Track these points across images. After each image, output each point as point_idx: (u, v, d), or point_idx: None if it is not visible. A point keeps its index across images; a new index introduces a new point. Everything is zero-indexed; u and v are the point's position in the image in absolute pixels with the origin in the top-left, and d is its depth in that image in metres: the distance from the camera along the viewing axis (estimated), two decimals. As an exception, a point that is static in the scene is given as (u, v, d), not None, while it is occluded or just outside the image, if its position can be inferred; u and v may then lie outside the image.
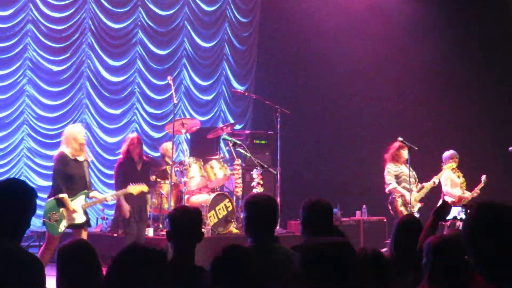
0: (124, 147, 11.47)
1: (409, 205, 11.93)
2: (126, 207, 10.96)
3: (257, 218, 5.11)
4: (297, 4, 16.90)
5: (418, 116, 16.25)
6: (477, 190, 12.87)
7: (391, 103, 16.37)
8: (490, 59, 15.98)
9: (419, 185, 12.44)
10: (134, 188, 10.72)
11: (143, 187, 10.87)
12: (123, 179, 11.03)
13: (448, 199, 12.18)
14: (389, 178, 12.34)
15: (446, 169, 12.65)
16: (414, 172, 12.48)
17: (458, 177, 12.88)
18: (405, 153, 12.36)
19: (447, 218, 5.75)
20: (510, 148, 12.52)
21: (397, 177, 12.34)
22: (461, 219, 11.73)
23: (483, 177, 12.93)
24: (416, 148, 11.95)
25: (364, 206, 14.62)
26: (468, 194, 12.72)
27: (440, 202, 5.78)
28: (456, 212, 11.93)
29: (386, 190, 12.48)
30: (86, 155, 10.27)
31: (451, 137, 14.96)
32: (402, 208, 12.08)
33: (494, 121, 15.91)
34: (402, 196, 12.16)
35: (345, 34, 16.60)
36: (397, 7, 16.46)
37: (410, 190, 12.02)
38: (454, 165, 12.77)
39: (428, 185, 12.40)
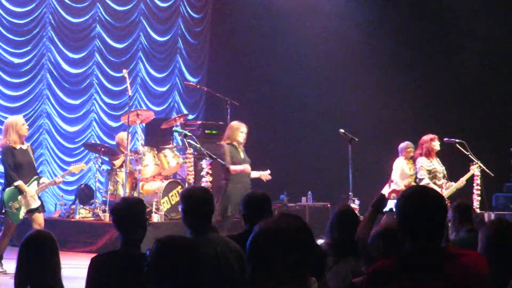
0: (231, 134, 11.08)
1: None
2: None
3: (192, 210, 5.07)
4: (246, 2, 16.88)
5: (366, 107, 15.84)
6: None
7: (336, 94, 16.18)
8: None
9: (448, 183, 11.29)
10: (76, 167, 10.90)
11: (83, 165, 11.18)
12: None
13: (395, 186, 11.60)
14: (422, 173, 11.15)
15: (474, 169, 11.45)
16: (443, 168, 11.39)
17: (410, 169, 11.71)
18: (436, 145, 11.32)
19: (384, 210, 5.78)
20: None
21: (429, 172, 11.18)
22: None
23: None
24: (357, 140, 11.30)
25: (309, 192, 14.70)
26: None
27: (378, 195, 5.76)
28: (392, 204, 11.88)
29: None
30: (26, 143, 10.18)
31: (402, 127, 14.55)
32: None
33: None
34: None
35: (292, 29, 16.57)
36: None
37: (440, 187, 10.94)
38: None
39: (456, 185, 11.22)
